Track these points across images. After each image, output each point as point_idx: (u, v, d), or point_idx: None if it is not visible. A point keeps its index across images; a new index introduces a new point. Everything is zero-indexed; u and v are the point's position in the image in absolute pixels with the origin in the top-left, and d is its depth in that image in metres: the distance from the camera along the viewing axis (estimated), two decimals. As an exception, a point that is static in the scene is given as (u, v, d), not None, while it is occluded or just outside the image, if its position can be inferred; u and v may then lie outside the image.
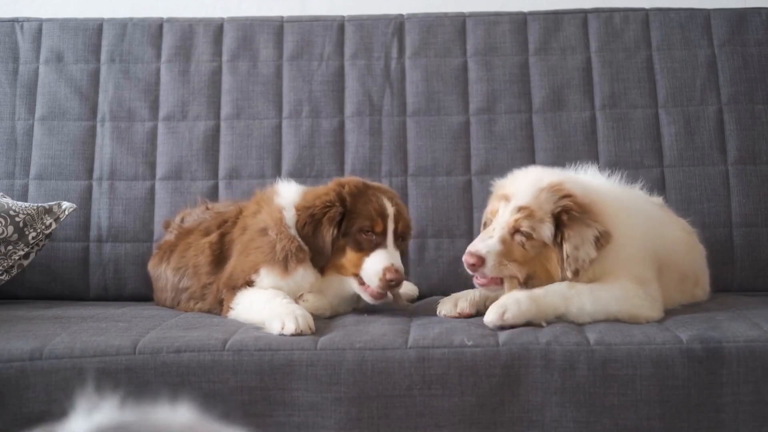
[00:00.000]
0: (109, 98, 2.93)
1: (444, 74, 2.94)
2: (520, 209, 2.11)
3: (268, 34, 3.00)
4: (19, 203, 2.57)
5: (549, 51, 2.96)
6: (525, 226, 2.10)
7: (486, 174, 2.75)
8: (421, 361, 1.88)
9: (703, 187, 2.81)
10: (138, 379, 1.87)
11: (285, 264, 2.20)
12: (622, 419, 1.85)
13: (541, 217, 2.09)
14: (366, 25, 3.00)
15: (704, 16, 2.98)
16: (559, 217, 2.09)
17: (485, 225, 2.24)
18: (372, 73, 2.95)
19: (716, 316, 2.11)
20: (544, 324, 2.01)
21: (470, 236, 2.61)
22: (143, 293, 2.70)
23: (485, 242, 2.11)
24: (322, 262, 2.22)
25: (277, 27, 3.02)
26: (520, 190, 2.15)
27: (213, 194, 2.84)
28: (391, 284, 2.15)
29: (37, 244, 2.56)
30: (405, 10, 3.06)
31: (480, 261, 2.08)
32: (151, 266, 2.59)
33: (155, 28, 3.00)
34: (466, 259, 2.10)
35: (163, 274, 2.49)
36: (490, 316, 2.02)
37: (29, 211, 2.53)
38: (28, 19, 3.02)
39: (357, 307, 2.30)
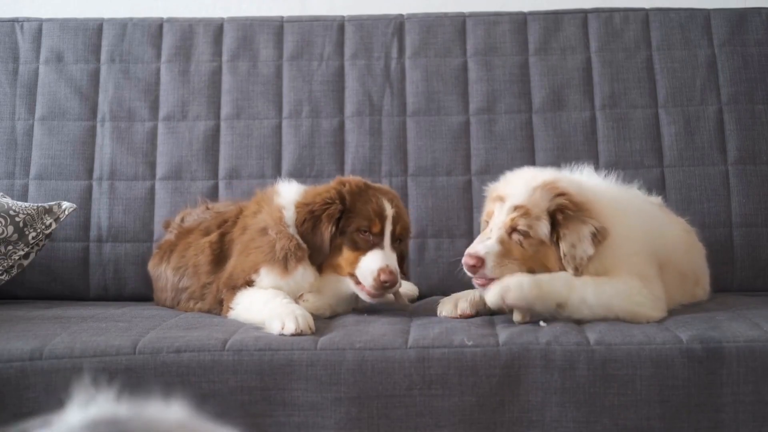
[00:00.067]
0: (109, 98, 2.94)
1: (444, 74, 2.94)
2: (515, 208, 2.11)
3: (268, 34, 3.00)
4: (19, 203, 2.57)
5: (549, 51, 2.96)
6: (522, 225, 2.10)
7: (486, 174, 2.75)
8: (421, 361, 1.88)
9: (703, 187, 2.81)
10: (138, 379, 1.87)
11: (285, 264, 2.20)
12: (622, 419, 1.85)
13: (537, 214, 2.10)
14: (366, 25, 3.00)
15: (704, 16, 2.98)
16: (554, 216, 2.09)
17: (483, 231, 2.24)
18: (372, 73, 2.96)
19: (716, 316, 2.10)
20: (542, 324, 2.02)
21: (470, 236, 2.61)
22: (143, 293, 2.70)
23: (484, 243, 2.11)
24: (320, 259, 2.22)
25: (277, 27, 3.02)
26: (514, 189, 2.15)
27: (213, 194, 2.84)
28: (385, 285, 2.15)
29: (37, 244, 2.56)
30: (405, 10, 3.06)
31: (480, 262, 2.09)
32: (151, 266, 2.59)
33: (155, 28, 3.00)
34: (466, 261, 2.10)
35: (163, 273, 2.49)
36: (492, 296, 2.02)
37: (29, 211, 2.53)
38: (28, 19, 3.02)
39: (356, 307, 2.30)
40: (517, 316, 2.08)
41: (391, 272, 2.15)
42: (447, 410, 1.86)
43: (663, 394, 1.86)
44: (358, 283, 2.20)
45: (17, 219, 2.50)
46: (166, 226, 2.65)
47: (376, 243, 2.19)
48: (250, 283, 2.22)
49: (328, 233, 2.19)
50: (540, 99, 2.91)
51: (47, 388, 1.85)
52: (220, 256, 2.37)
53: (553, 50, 2.96)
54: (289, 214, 2.27)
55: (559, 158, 2.73)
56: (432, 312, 2.24)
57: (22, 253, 2.52)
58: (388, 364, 1.88)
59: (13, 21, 3.01)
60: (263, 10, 3.17)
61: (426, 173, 2.86)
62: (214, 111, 2.94)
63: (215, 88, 2.95)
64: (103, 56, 2.98)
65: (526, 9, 3.04)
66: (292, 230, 2.25)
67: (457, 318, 2.16)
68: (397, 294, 2.25)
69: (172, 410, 0.77)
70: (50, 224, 2.56)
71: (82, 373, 1.86)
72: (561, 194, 2.11)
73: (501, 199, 2.16)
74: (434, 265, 2.80)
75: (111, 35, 2.99)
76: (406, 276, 2.40)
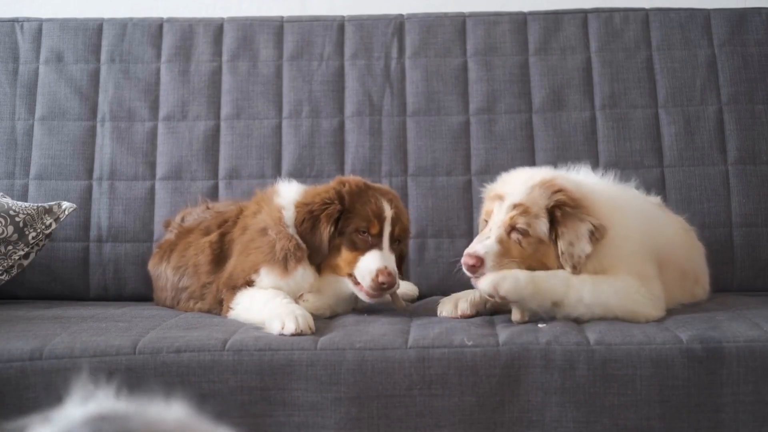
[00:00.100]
0: (109, 98, 2.94)
1: (444, 74, 2.94)
2: (514, 206, 2.11)
3: (268, 34, 3.00)
4: (19, 203, 2.57)
5: (549, 51, 2.96)
6: (521, 223, 2.10)
7: (486, 174, 2.74)
8: (421, 361, 1.88)
9: (703, 187, 2.81)
10: (138, 379, 1.87)
11: (285, 264, 2.20)
12: (622, 419, 1.85)
13: (536, 212, 2.10)
14: (366, 25, 3.00)
15: (704, 16, 2.98)
16: (553, 213, 2.09)
17: (481, 231, 2.24)
18: (372, 73, 2.96)
19: (716, 316, 2.10)
20: (540, 325, 2.01)
21: (470, 236, 2.61)
22: (143, 293, 2.70)
23: (483, 243, 2.12)
24: (319, 259, 2.22)
25: (277, 27, 3.02)
26: (513, 188, 2.15)
27: (213, 194, 2.84)
28: (383, 287, 2.15)
29: (37, 244, 2.56)
30: (405, 10, 3.06)
31: (479, 262, 2.09)
32: (151, 265, 2.59)
33: (155, 28, 3.00)
34: (465, 261, 2.10)
35: (163, 273, 2.49)
36: (485, 286, 2.02)
37: (29, 211, 2.53)
38: (28, 19, 3.02)
39: (356, 307, 2.30)
40: (516, 315, 2.08)
41: (389, 274, 2.15)
42: (447, 410, 1.86)
43: (663, 394, 1.86)
44: (356, 283, 2.19)
45: (17, 219, 2.50)
46: (167, 225, 2.66)
47: (375, 244, 2.19)
48: (250, 283, 2.22)
49: (326, 233, 2.19)
50: (540, 99, 2.91)
51: (47, 388, 1.85)
52: (220, 256, 2.37)
53: (553, 50, 2.96)
54: (289, 214, 2.27)
55: (559, 158, 2.74)
56: (432, 312, 2.24)
57: (22, 253, 2.52)
58: (388, 364, 1.88)
59: (13, 21, 3.01)
60: (263, 10, 3.17)
61: (426, 173, 2.86)
62: (214, 111, 2.94)
63: (215, 88, 2.95)
64: (103, 56, 2.98)
65: (526, 9, 3.04)
66: (291, 230, 2.25)
67: (457, 318, 2.16)
68: (394, 295, 2.24)
69: (173, 410, 0.77)
70: (50, 224, 2.56)
71: (82, 373, 1.86)
72: (559, 191, 2.11)
73: (500, 197, 2.16)
74: (434, 265, 2.79)
75: (111, 35, 2.99)
76: (402, 276, 2.39)
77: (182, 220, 2.59)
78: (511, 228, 2.11)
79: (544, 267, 2.11)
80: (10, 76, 2.94)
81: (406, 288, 2.53)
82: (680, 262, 2.37)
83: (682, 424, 1.86)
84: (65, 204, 2.60)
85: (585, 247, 2.07)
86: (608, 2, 3.04)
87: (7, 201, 2.57)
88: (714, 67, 2.91)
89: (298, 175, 2.79)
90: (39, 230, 2.53)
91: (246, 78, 2.96)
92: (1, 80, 2.94)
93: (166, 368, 1.88)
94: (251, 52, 2.98)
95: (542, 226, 2.10)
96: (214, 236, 2.41)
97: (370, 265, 2.16)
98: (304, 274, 2.22)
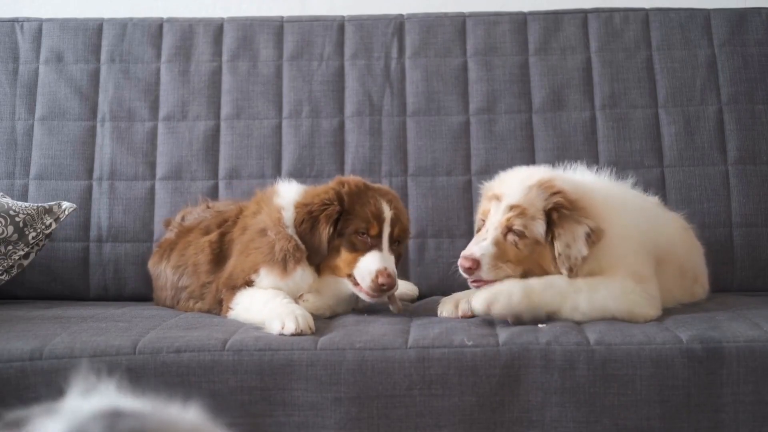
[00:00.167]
0: (109, 98, 2.94)
1: (444, 74, 2.94)
2: (511, 208, 2.11)
3: (268, 34, 3.00)
4: (19, 203, 2.57)
5: (549, 51, 2.96)
6: (517, 225, 2.10)
7: (486, 174, 2.73)
8: (421, 361, 1.88)
9: (703, 187, 2.81)
10: (138, 379, 1.86)
11: (284, 264, 2.20)
12: (622, 419, 1.85)
13: (533, 214, 2.09)
14: (366, 25, 3.00)
15: (704, 16, 2.98)
16: (550, 214, 2.09)
17: (478, 229, 2.24)
18: (372, 73, 2.96)
19: (716, 316, 2.10)
20: (540, 325, 2.01)
21: (470, 236, 2.59)
22: (143, 293, 2.70)
23: (479, 245, 2.11)
24: (318, 260, 2.22)
25: (277, 27, 3.02)
26: (510, 188, 2.15)
27: (213, 194, 2.84)
28: (382, 288, 2.14)
29: (37, 244, 2.56)
30: (405, 10, 3.06)
31: (475, 264, 2.08)
32: (151, 264, 2.59)
33: (155, 28, 3.00)
34: (461, 263, 2.10)
35: (163, 272, 2.49)
36: (478, 305, 2.01)
37: (29, 211, 2.53)
38: (28, 19, 3.02)
39: (356, 307, 2.30)
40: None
41: (389, 275, 2.14)
42: (447, 410, 1.86)
43: (663, 394, 1.86)
44: (356, 284, 2.19)
45: (17, 219, 2.50)
46: (167, 224, 2.66)
47: (374, 245, 2.18)
48: (249, 284, 2.22)
49: (325, 234, 2.19)
50: (540, 99, 2.91)
51: (47, 388, 1.85)
52: (219, 256, 2.37)
53: (553, 50, 2.96)
54: (288, 215, 2.27)
55: (559, 158, 2.72)
56: (432, 312, 2.24)
57: (22, 253, 2.52)
58: (388, 364, 1.88)
59: (13, 21, 3.01)
60: (263, 10, 3.17)
61: (426, 173, 2.86)
62: (214, 111, 2.94)
63: (215, 88, 2.95)
64: (103, 56, 2.98)
65: (526, 9, 3.04)
66: (291, 231, 2.24)
67: (457, 318, 2.16)
68: (392, 297, 2.23)
69: (189, 413, 0.77)
70: (50, 224, 2.56)
71: (82, 368, 1.86)
72: (557, 192, 2.11)
73: (497, 197, 2.16)
74: (434, 265, 2.79)
75: (111, 35, 2.99)
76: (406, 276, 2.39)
77: (182, 219, 2.59)
78: (508, 230, 2.11)
79: (541, 268, 2.11)
80: (10, 76, 2.94)
81: (405, 288, 2.53)
82: (679, 260, 2.36)
83: (682, 424, 1.86)
84: (65, 204, 2.60)
85: (582, 249, 2.06)
86: (608, 2, 3.04)
87: (7, 201, 2.57)
88: (714, 67, 2.91)
89: (298, 175, 2.79)
90: (39, 230, 2.53)
91: (246, 78, 2.96)
92: (1, 80, 2.94)
93: (166, 368, 1.88)
94: (251, 52, 2.98)
95: (539, 228, 2.09)
96: (213, 236, 2.41)
97: (370, 266, 2.15)
98: (303, 274, 2.22)
